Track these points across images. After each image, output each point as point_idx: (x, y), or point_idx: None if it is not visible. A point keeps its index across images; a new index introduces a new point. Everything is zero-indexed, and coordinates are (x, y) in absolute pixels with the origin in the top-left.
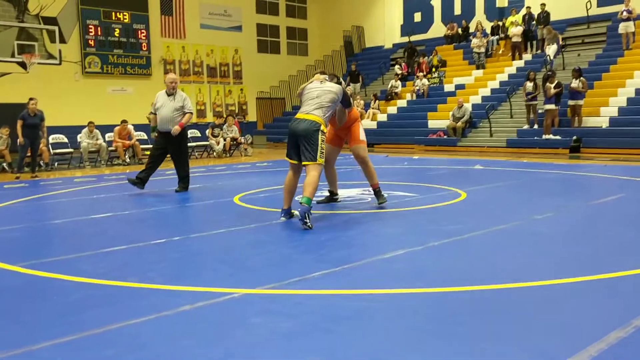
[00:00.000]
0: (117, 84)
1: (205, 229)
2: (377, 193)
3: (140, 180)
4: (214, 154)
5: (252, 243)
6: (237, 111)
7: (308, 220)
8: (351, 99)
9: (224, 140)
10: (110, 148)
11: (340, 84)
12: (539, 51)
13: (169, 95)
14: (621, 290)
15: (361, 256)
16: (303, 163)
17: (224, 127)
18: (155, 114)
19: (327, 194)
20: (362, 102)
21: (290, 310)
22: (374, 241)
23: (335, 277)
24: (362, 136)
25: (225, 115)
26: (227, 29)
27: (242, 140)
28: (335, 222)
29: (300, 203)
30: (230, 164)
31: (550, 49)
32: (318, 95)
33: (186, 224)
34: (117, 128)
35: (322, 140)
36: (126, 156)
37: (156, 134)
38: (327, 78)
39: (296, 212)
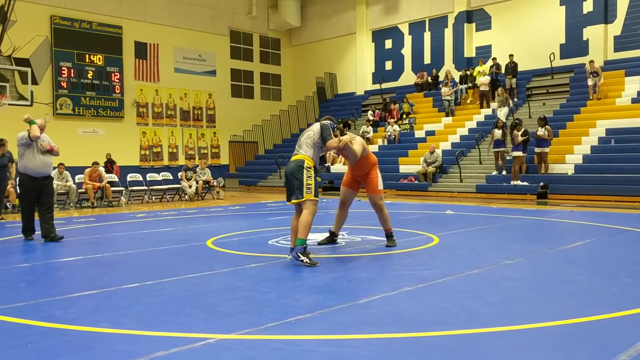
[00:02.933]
0: (89, 125)
1: (178, 273)
2: (389, 237)
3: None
4: (186, 197)
5: (226, 288)
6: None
7: (304, 259)
8: (334, 135)
9: (197, 183)
10: (79, 190)
11: (333, 126)
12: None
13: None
14: (590, 335)
15: (336, 301)
16: (292, 202)
17: (197, 169)
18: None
19: (328, 234)
20: None
21: (267, 356)
22: (349, 286)
23: (310, 322)
24: (380, 185)
25: (198, 158)
26: (201, 73)
27: (215, 184)
28: (308, 266)
29: (295, 246)
30: (202, 207)
31: (502, 112)
32: (301, 137)
33: (159, 268)
34: (87, 170)
35: (308, 177)
36: (95, 199)
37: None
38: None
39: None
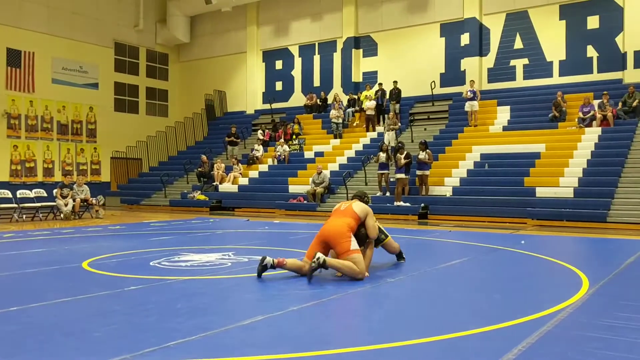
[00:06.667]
0: None
1: (48, 298)
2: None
3: None
4: (61, 215)
5: (101, 312)
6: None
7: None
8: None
9: (74, 201)
10: None
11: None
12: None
13: None
14: (462, 349)
15: (219, 323)
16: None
17: (74, 187)
18: None
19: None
20: (223, 165)
21: None
22: (233, 307)
23: (192, 345)
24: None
25: (76, 175)
26: (82, 85)
27: (93, 202)
28: (192, 288)
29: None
30: (79, 226)
31: (390, 135)
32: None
33: (26, 292)
34: None
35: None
36: None
37: None
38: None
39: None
